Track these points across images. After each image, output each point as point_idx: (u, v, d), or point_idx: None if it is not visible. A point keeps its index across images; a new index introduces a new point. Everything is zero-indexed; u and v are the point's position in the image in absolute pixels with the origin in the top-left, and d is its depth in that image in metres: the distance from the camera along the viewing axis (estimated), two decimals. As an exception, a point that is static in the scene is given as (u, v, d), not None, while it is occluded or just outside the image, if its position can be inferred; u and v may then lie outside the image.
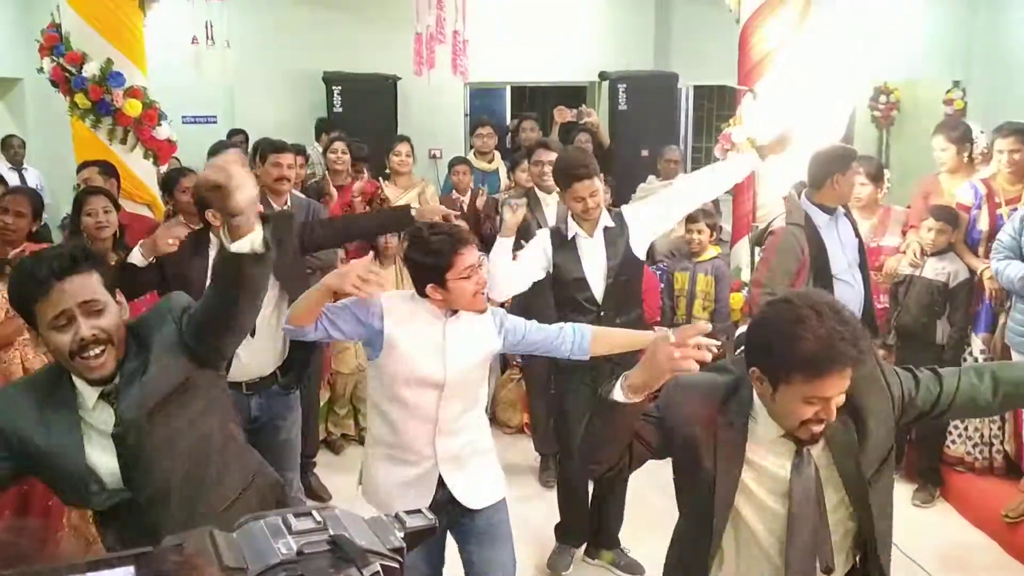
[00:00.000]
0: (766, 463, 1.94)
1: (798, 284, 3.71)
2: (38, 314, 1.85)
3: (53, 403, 1.93)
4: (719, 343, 2.18)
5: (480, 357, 2.72)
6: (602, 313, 3.54)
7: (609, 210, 3.67)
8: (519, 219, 3.45)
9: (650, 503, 3.77)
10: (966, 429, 4.46)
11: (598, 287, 3.56)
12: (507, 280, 3.46)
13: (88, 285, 1.87)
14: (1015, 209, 4.28)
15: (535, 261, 3.56)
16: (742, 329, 4.15)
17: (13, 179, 6.47)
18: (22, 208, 3.68)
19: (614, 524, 3.87)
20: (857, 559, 2.05)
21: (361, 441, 5.35)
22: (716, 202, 5.63)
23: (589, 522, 3.87)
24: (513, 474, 4.16)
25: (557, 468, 4.12)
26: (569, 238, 3.57)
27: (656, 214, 3.64)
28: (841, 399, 1.82)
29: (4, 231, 3.56)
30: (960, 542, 4.08)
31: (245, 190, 1.69)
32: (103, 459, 1.95)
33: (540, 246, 3.58)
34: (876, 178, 4.68)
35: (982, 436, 4.44)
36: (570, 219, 3.60)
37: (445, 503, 2.70)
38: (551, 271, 3.59)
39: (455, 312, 2.65)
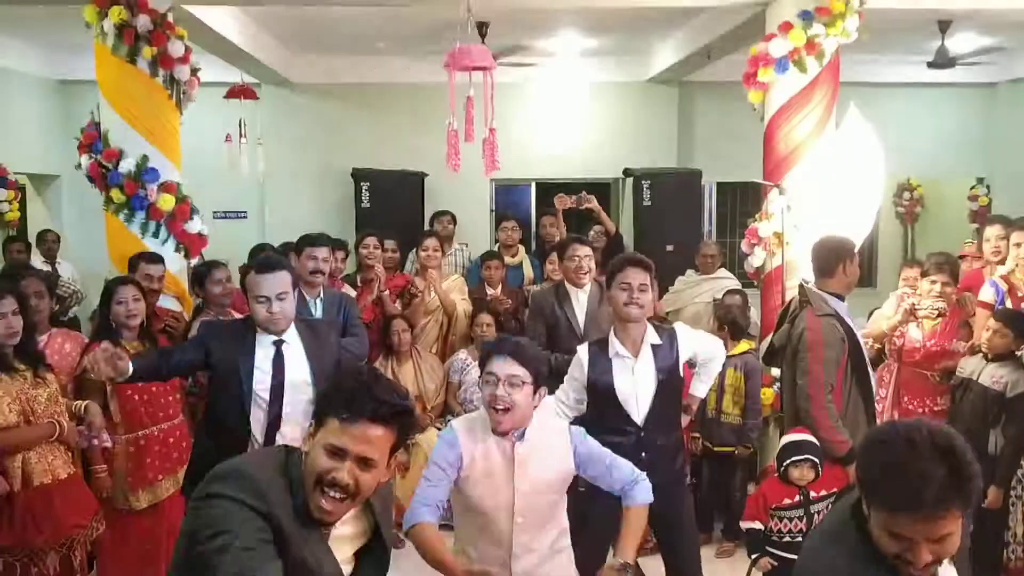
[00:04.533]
0: None
1: (839, 375, 3.65)
2: (325, 421, 1.83)
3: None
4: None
5: (551, 478, 2.64)
6: (643, 434, 3.39)
7: (657, 327, 3.50)
8: None
9: None
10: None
11: (640, 409, 3.37)
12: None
13: (381, 444, 1.83)
14: None
15: (576, 382, 3.43)
16: (790, 437, 3.98)
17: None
18: (40, 288, 3.71)
19: None
20: None
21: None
22: (744, 296, 5.61)
23: None
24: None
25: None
26: (609, 356, 3.41)
27: (700, 354, 3.56)
28: (944, 549, 1.65)
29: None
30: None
31: None
32: None
33: (578, 364, 3.44)
34: (956, 278, 4.60)
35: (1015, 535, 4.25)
36: (612, 336, 3.43)
37: None
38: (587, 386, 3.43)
39: (522, 435, 2.61)
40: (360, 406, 1.80)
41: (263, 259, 3.44)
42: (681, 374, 3.50)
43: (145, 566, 3.85)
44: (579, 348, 3.54)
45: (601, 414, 3.41)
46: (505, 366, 2.53)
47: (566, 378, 3.48)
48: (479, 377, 2.67)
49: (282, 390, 3.25)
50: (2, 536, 3.19)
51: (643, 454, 3.38)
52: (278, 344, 3.28)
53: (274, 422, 3.24)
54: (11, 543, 3.20)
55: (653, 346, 3.40)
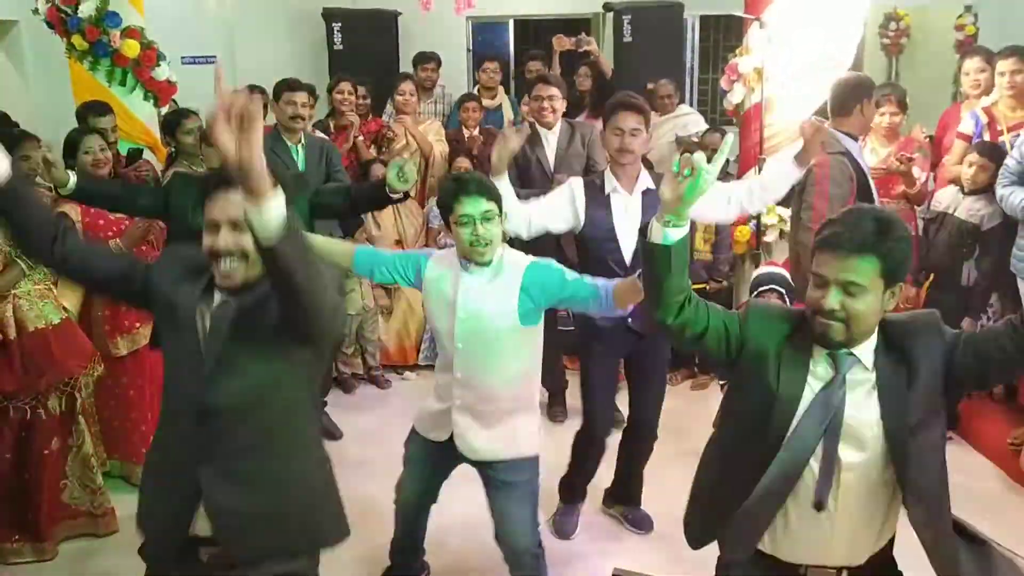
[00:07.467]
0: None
1: None
2: (205, 212, 2.03)
3: (195, 276, 2.09)
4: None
5: (492, 313, 2.65)
6: (628, 275, 3.39)
7: (652, 173, 3.44)
8: (509, 151, 3.19)
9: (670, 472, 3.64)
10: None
11: (628, 247, 3.32)
12: (521, 222, 3.24)
13: (240, 204, 1.91)
14: (1017, 135, 4.22)
15: (558, 210, 3.34)
16: (762, 270, 4.07)
17: None
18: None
19: (636, 484, 3.74)
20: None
21: (371, 380, 5.42)
22: (723, 134, 5.56)
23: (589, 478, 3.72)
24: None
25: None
26: (605, 193, 3.35)
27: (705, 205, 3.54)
28: (840, 301, 1.85)
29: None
30: (965, 468, 4.03)
31: (255, 148, 1.59)
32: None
33: (570, 195, 3.35)
34: (904, 106, 4.61)
35: None
36: (608, 173, 3.38)
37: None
38: (579, 227, 3.37)
39: (478, 264, 2.66)
40: (215, 182, 2.03)
41: None
42: None
43: (130, 411, 3.99)
44: (572, 181, 3.45)
45: (590, 254, 3.39)
46: (479, 204, 2.59)
47: (544, 202, 3.38)
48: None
49: None
50: (6, 382, 3.29)
51: None
52: None
53: None
54: (15, 388, 3.31)
55: (646, 191, 3.35)
